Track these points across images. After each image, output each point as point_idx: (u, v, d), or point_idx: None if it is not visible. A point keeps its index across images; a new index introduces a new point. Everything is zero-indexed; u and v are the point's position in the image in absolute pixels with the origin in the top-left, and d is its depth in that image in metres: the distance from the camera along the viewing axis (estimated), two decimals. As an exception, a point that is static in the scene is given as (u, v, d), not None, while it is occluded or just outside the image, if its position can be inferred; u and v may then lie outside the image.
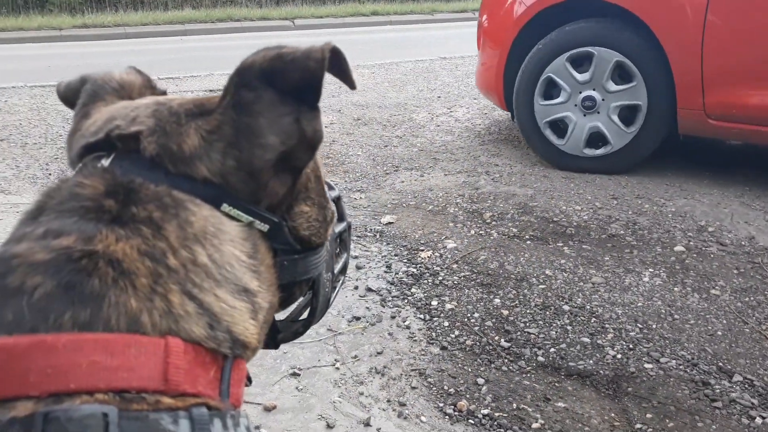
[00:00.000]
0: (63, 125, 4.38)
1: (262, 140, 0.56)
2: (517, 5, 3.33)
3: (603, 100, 3.11)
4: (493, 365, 1.71)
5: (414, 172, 3.36)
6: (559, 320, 1.91)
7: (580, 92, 3.15)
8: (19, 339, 0.42)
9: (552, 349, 1.77)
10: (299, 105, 0.57)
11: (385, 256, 2.37)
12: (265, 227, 0.59)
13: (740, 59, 2.73)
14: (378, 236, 2.54)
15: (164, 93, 0.74)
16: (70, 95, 0.71)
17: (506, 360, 1.73)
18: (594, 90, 3.13)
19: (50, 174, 3.38)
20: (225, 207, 0.56)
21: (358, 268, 2.27)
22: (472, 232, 2.56)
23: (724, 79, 2.77)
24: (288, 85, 0.55)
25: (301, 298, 0.73)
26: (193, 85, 5.82)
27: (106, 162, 0.56)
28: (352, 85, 0.60)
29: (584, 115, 3.16)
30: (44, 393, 0.41)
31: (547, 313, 1.95)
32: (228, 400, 0.50)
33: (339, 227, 0.78)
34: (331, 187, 0.76)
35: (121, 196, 0.52)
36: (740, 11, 2.70)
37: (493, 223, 2.64)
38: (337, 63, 0.57)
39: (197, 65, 7.14)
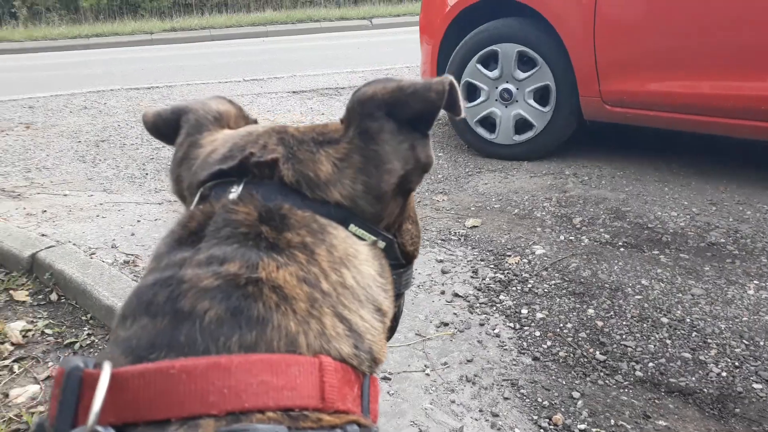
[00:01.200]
0: (157, 126, 4.59)
1: (388, 166, 0.60)
2: (444, 4, 3.69)
3: (517, 89, 3.41)
4: (588, 378, 1.66)
5: (497, 174, 3.31)
6: (658, 333, 1.83)
7: (497, 87, 3.47)
8: (197, 361, 0.44)
9: (651, 364, 1.70)
10: (413, 132, 0.62)
11: (470, 260, 2.35)
12: (382, 245, 0.63)
13: (627, 50, 3.01)
14: (462, 240, 2.52)
15: (255, 121, 0.76)
16: (161, 125, 0.72)
17: (602, 373, 1.68)
18: (507, 83, 3.43)
19: (146, 174, 3.55)
20: (352, 227, 0.60)
21: (444, 272, 2.26)
22: (562, 237, 2.49)
23: (614, 69, 3.06)
24: (407, 115, 0.61)
25: None
26: (276, 87, 5.98)
27: (238, 188, 0.58)
28: (459, 113, 0.64)
29: (506, 107, 3.47)
30: (222, 411, 0.43)
31: (645, 325, 1.87)
32: (369, 416, 0.53)
33: None
34: None
35: (276, 223, 0.55)
36: (624, 7, 3.00)
37: (584, 228, 2.56)
38: (451, 95, 0.61)
39: (279, 66, 7.33)
